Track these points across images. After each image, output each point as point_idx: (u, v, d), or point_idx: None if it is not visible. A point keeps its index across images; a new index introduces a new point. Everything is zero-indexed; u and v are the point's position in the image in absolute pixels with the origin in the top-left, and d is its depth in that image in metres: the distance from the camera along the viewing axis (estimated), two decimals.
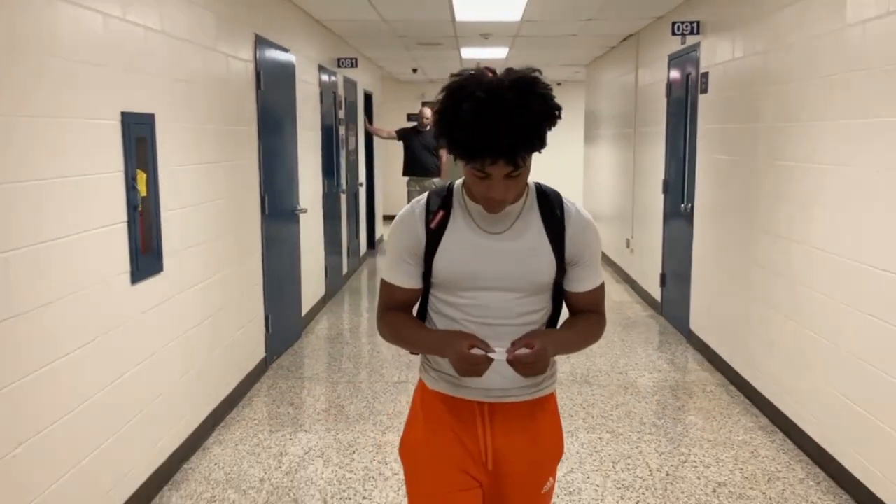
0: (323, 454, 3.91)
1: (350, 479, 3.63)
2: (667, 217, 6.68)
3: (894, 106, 3.12)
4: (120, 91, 3.12)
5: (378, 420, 4.37)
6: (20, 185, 2.45)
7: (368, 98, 10.58)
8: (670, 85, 6.57)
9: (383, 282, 1.91)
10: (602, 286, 1.91)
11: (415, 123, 9.80)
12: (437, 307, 1.86)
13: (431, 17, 7.16)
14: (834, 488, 3.54)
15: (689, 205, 5.92)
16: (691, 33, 5.77)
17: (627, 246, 8.31)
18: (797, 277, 4.02)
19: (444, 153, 9.46)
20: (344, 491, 3.51)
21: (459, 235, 1.80)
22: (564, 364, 5.24)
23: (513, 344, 1.72)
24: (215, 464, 3.80)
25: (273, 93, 5.38)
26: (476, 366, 1.69)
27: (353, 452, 3.92)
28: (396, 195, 12.31)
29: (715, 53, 5.41)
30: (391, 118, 12.91)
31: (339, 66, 8.11)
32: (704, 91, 5.60)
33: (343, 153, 8.26)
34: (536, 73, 1.63)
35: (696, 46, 5.81)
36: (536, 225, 1.80)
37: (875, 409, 3.26)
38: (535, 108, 1.58)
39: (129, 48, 3.22)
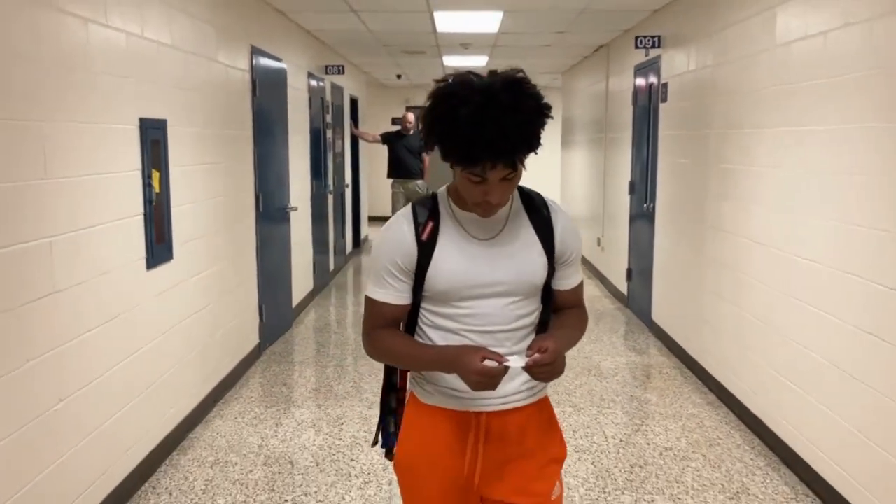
0: (314, 425, 4.36)
1: (339, 445, 4.07)
2: (632, 216, 7.18)
3: (816, 116, 3.61)
4: (138, 99, 3.57)
5: (364, 397, 4.82)
6: (62, 181, 2.88)
7: (354, 103, 11.00)
8: (636, 93, 7.05)
9: (369, 300, 1.82)
10: (582, 282, 1.95)
11: (399, 127, 10.22)
12: (430, 320, 1.81)
13: (414, 29, 7.59)
14: (766, 451, 4.02)
15: (652, 205, 6.41)
16: (653, 47, 6.26)
17: (599, 244, 8.80)
18: (739, 267, 4.51)
19: (426, 156, 9.89)
20: (334, 454, 3.95)
21: (452, 245, 1.76)
22: None
23: (528, 349, 1.69)
24: (218, 433, 4.23)
25: (267, 99, 5.82)
26: (492, 378, 1.64)
27: (342, 424, 4.37)
28: (381, 196, 12.77)
29: (673, 65, 5.91)
30: (376, 122, 13.36)
31: (326, 73, 8.49)
32: (664, 100, 6.09)
33: (330, 156, 8.67)
34: (522, 74, 1.63)
35: (657, 59, 6.30)
36: (526, 227, 1.80)
37: (800, 380, 3.74)
38: (529, 108, 1.58)
39: (146, 61, 3.67)
